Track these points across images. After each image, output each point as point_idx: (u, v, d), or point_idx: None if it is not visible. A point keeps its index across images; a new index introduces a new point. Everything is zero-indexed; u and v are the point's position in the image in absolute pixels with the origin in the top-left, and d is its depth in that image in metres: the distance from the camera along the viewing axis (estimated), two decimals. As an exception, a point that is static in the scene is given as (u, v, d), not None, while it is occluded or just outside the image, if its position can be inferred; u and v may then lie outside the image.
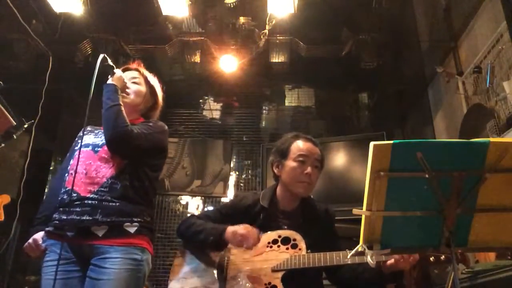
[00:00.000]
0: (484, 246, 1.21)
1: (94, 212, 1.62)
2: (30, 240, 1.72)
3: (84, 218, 1.61)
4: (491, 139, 1.07)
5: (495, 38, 2.63)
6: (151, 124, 1.85)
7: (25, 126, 2.73)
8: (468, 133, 2.88)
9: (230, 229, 1.78)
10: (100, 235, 1.61)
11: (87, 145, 1.79)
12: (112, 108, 1.70)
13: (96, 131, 1.88)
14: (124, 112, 1.72)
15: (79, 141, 1.83)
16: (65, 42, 3.93)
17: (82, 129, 1.88)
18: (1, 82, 2.33)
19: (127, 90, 1.86)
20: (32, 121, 3.04)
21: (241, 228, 1.77)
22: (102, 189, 1.66)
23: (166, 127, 1.91)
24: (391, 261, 1.58)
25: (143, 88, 1.94)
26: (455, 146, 1.10)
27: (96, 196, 1.65)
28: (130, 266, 1.61)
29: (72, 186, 1.66)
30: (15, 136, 2.67)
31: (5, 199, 3.37)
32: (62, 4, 3.40)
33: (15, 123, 2.43)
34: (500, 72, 2.60)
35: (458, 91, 3.14)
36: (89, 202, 1.64)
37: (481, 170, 1.09)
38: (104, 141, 1.75)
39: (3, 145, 2.59)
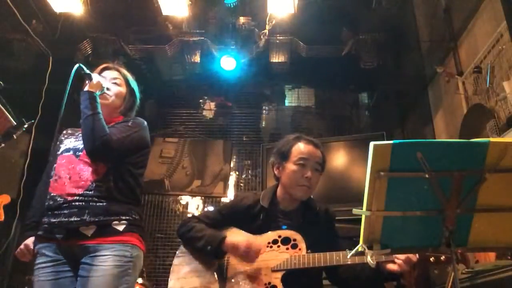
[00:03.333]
0: (484, 246, 1.21)
1: (82, 213, 1.64)
2: (22, 246, 1.76)
3: (72, 219, 1.63)
4: (491, 139, 1.07)
5: (495, 38, 2.63)
6: (130, 123, 1.84)
7: (25, 126, 2.73)
8: (468, 133, 2.88)
9: (229, 240, 1.78)
10: (89, 235, 1.64)
11: (68, 150, 1.80)
12: (89, 117, 1.70)
13: (76, 134, 1.88)
14: (102, 120, 1.72)
15: (61, 145, 1.86)
16: (65, 42, 3.94)
17: (63, 132, 1.92)
18: (1, 82, 2.33)
19: (107, 91, 1.86)
20: (32, 121, 3.04)
21: (243, 242, 1.76)
22: (87, 192, 1.68)
23: (145, 123, 1.90)
24: (394, 266, 1.58)
25: (123, 89, 1.94)
26: (455, 146, 1.10)
27: (83, 198, 1.67)
28: (120, 263, 1.62)
29: (57, 191, 1.70)
30: (15, 136, 2.67)
31: (5, 199, 3.37)
32: (62, 4, 3.41)
33: (15, 123, 2.43)
34: (500, 72, 2.60)
35: (458, 91, 3.13)
36: (76, 203, 1.66)
37: (481, 170, 1.09)
38: None
39: (3, 145, 2.59)
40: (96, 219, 1.64)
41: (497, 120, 2.58)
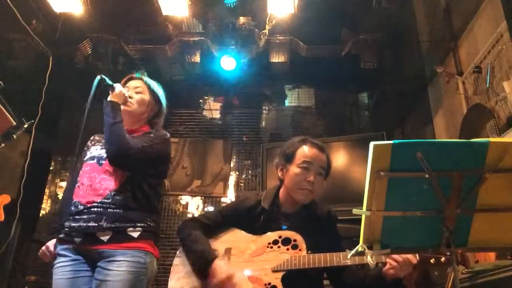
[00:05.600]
0: (484, 246, 1.21)
1: (99, 219, 1.71)
2: (44, 247, 1.85)
3: (90, 224, 1.71)
4: (491, 139, 1.07)
5: (495, 38, 2.63)
6: (152, 135, 1.90)
7: (25, 126, 2.73)
8: (468, 133, 2.88)
9: (214, 265, 1.73)
10: (105, 240, 1.70)
11: (92, 158, 1.87)
12: (112, 126, 1.77)
13: (103, 141, 1.92)
14: (123, 129, 1.78)
15: (87, 152, 1.94)
16: (65, 42, 3.94)
17: (90, 138, 2.00)
18: (1, 82, 2.33)
19: (130, 100, 1.92)
20: (32, 121, 3.04)
21: (221, 275, 1.71)
22: (105, 200, 1.75)
23: (168, 136, 1.96)
24: (391, 270, 1.58)
25: (146, 96, 1.99)
26: (455, 146, 1.10)
27: (101, 205, 1.74)
28: (134, 268, 1.68)
29: (79, 198, 1.78)
30: (15, 136, 2.67)
31: (5, 199, 3.37)
32: (62, 4, 3.41)
33: (15, 123, 2.43)
34: (500, 72, 2.60)
35: (458, 91, 3.13)
36: (95, 209, 1.73)
37: (481, 170, 1.09)
38: None
39: (3, 145, 2.59)
40: (112, 225, 1.71)
41: (497, 120, 2.58)
